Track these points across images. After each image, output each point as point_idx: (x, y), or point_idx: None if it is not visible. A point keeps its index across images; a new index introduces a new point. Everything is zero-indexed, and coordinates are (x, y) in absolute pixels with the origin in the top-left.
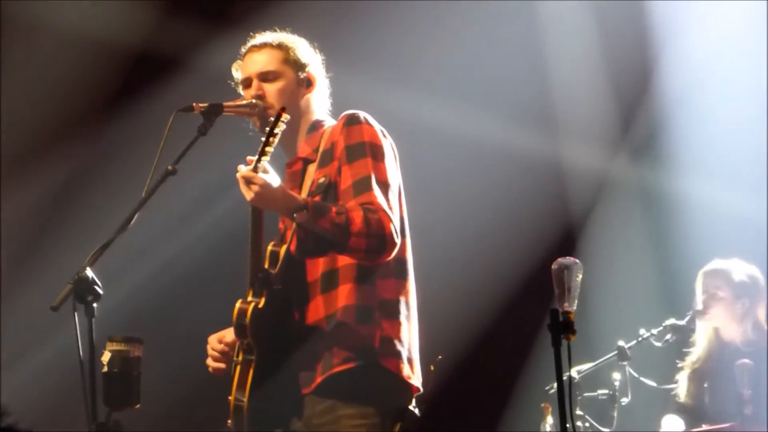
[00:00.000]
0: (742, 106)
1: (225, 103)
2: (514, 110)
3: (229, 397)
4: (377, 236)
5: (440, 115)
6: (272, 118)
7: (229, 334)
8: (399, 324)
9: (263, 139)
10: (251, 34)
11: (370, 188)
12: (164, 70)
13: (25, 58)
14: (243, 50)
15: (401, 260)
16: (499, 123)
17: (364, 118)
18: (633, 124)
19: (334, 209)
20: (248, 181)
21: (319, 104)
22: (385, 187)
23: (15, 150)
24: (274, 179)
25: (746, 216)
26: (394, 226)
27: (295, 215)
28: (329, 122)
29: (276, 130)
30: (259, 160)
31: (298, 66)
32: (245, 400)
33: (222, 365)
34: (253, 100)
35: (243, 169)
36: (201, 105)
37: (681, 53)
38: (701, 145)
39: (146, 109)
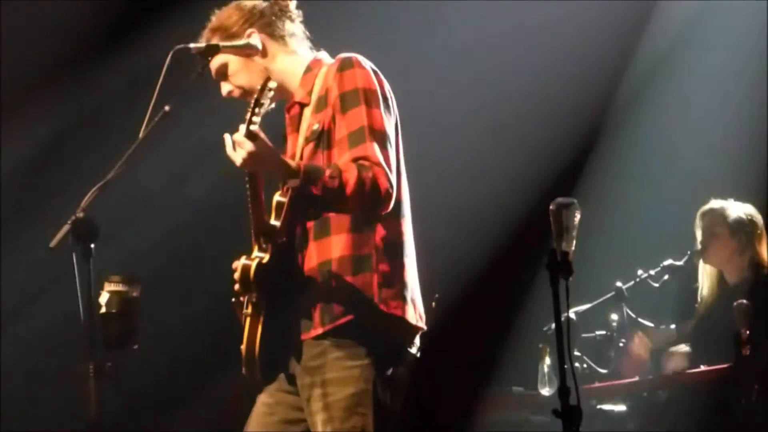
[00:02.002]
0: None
1: (222, 43)
2: (510, 49)
3: (241, 347)
4: (372, 194)
5: (437, 48)
6: (258, 86)
7: None
8: (397, 267)
9: (250, 106)
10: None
11: (364, 140)
12: (163, 9)
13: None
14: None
15: (397, 200)
16: (496, 63)
17: (356, 60)
18: (631, 63)
19: (327, 173)
20: (238, 146)
21: (294, 49)
22: (379, 135)
23: (10, 93)
24: (264, 144)
25: (745, 156)
26: (389, 179)
27: (288, 181)
28: (326, 60)
29: (262, 100)
30: (248, 125)
31: (241, 45)
32: (257, 349)
33: None
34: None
35: (235, 135)
36: (198, 45)
37: None
38: (701, 86)
39: (144, 48)
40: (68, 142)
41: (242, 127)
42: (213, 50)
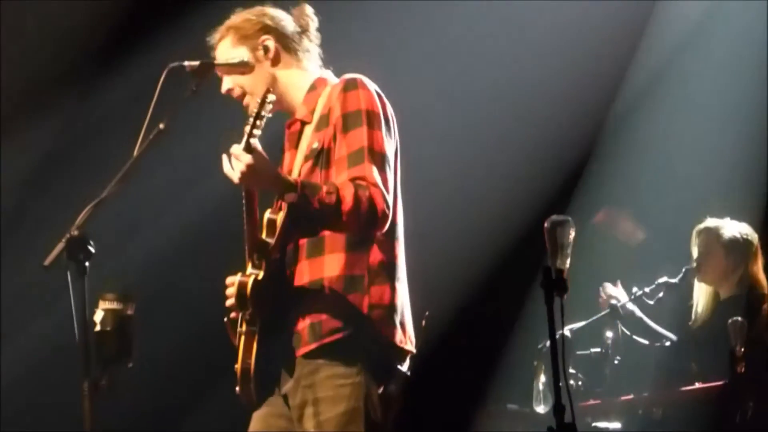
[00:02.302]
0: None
1: (216, 61)
2: (508, 61)
3: (236, 366)
4: (368, 214)
5: (435, 65)
6: (258, 99)
7: None
8: (389, 289)
9: (250, 120)
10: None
11: (363, 161)
12: (159, 27)
13: (15, 13)
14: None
15: (392, 222)
16: (492, 74)
17: (361, 82)
18: (627, 78)
19: (324, 189)
20: (236, 160)
21: (304, 61)
22: (379, 157)
23: (5, 108)
24: (262, 159)
25: (743, 173)
26: (386, 200)
27: (285, 196)
28: (331, 80)
29: (262, 113)
30: (247, 140)
31: (255, 47)
32: (252, 367)
33: None
34: (245, 59)
35: (232, 147)
36: (192, 63)
37: None
38: (698, 101)
39: (142, 64)
40: (63, 160)
41: (242, 141)
42: (207, 68)
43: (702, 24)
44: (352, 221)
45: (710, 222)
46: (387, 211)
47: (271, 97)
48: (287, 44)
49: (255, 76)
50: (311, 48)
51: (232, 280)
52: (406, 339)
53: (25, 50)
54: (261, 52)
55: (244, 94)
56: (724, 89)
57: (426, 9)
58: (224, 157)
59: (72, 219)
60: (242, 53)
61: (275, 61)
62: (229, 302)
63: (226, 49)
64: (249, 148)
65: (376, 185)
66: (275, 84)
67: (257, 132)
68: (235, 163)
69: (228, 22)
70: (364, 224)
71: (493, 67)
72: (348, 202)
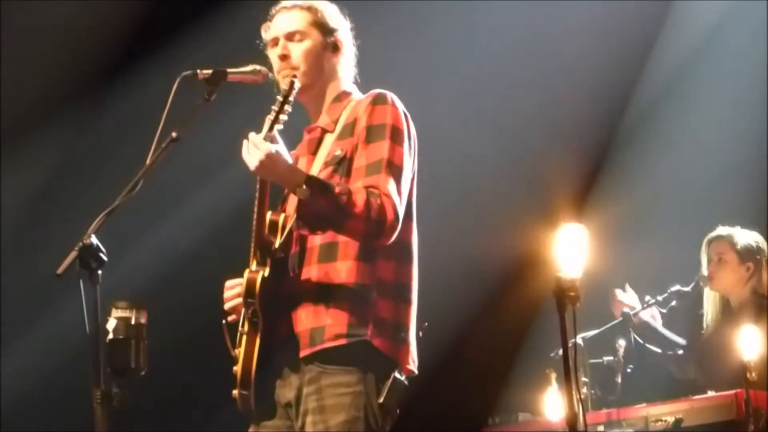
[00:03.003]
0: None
1: (229, 69)
2: (515, 74)
3: (235, 368)
4: (377, 221)
5: (443, 79)
6: (284, 86)
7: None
8: (396, 307)
9: (275, 107)
10: None
11: (380, 171)
12: (172, 35)
13: (24, 24)
14: (273, 11)
15: (405, 243)
16: (504, 86)
17: (391, 99)
18: (636, 91)
19: (337, 189)
20: (254, 148)
21: (346, 71)
22: (397, 171)
23: (18, 117)
24: (281, 150)
25: (752, 182)
26: (396, 212)
27: (296, 189)
28: (356, 95)
29: (290, 98)
30: (270, 129)
31: (326, 30)
32: (253, 368)
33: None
34: (257, 66)
35: (252, 135)
36: (204, 71)
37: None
38: (708, 111)
39: (152, 74)
40: (76, 168)
41: (264, 128)
42: (220, 77)
43: (713, 34)
44: (359, 225)
45: (722, 230)
46: (396, 222)
47: (297, 85)
48: (349, 51)
49: (317, 57)
50: (352, 62)
51: (233, 282)
52: (407, 358)
53: (39, 58)
54: (330, 44)
55: (286, 68)
56: (737, 99)
57: (436, 19)
58: (244, 142)
59: (84, 227)
60: (310, 32)
61: (337, 53)
62: (233, 302)
63: (294, 20)
64: (269, 138)
65: (388, 195)
66: (320, 74)
67: (283, 118)
68: (253, 151)
69: (310, 0)
70: (373, 230)
71: (503, 79)
72: (359, 206)
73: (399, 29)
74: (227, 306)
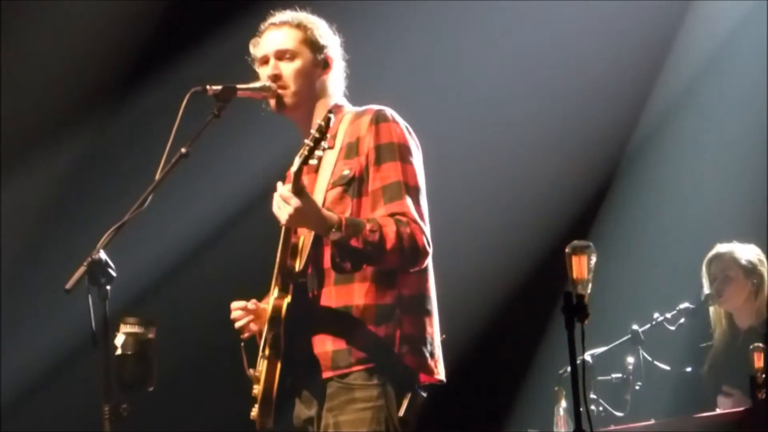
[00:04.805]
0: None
1: (238, 85)
2: (525, 91)
3: (256, 390)
4: (411, 250)
5: (452, 93)
6: (321, 122)
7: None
8: (420, 320)
9: (308, 142)
10: (271, 11)
11: (401, 196)
12: (179, 50)
13: (31, 37)
14: (262, 27)
15: None
16: (512, 105)
17: (392, 116)
18: (645, 109)
19: (367, 227)
20: (284, 203)
21: (336, 87)
22: (415, 192)
23: (27, 131)
24: (309, 201)
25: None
26: (426, 237)
27: (330, 234)
28: (348, 108)
29: (327, 134)
30: (296, 182)
31: (316, 47)
32: (274, 390)
33: (250, 322)
34: (267, 83)
35: (280, 188)
36: (214, 87)
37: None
38: (715, 129)
39: (161, 89)
40: (83, 183)
41: (294, 168)
42: (229, 93)
43: (718, 56)
44: (394, 258)
45: (721, 247)
46: (428, 247)
47: (333, 120)
48: (339, 67)
49: (309, 77)
50: (342, 76)
51: (239, 305)
52: (437, 369)
53: (47, 72)
54: (320, 61)
55: (277, 92)
56: (741, 119)
57: (438, 35)
58: (275, 196)
59: (92, 241)
60: (301, 51)
61: (327, 70)
62: (242, 322)
63: (285, 38)
64: (298, 191)
65: (416, 221)
66: (310, 92)
67: (318, 154)
68: (283, 206)
69: (299, 17)
70: (408, 261)
71: (512, 95)
72: (391, 240)
73: (401, 35)
74: (237, 325)
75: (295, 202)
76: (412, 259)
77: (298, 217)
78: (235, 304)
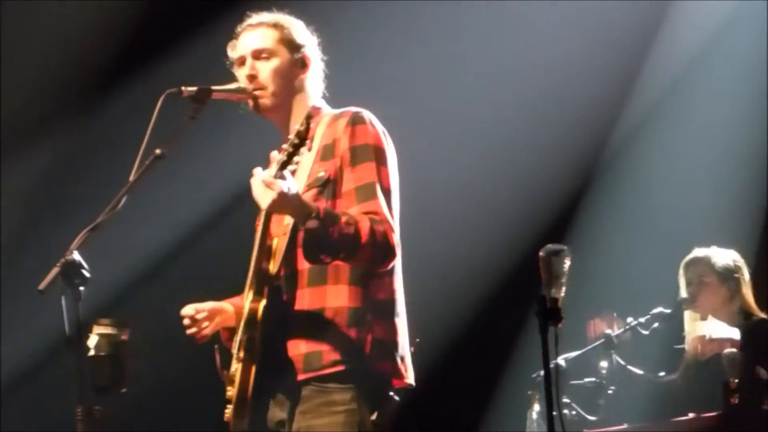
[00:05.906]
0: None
1: (213, 87)
2: (501, 94)
3: (230, 392)
4: (382, 248)
5: (427, 98)
6: (295, 139)
7: (202, 305)
8: (391, 324)
9: (287, 147)
10: (248, 13)
11: (374, 196)
12: (157, 51)
13: (6, 37)
14: (238, 29)
15: None
16: (488, 109)
17: (369, 119)
18: (624, 112)
19: (343, 219)
20: (267, 187)
21: (314, 87)
22: (387, 194)
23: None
24: (291, 185)
25: (736, 203)
26: (396, 236)
27: (307, 221)
28: (326, 110)
29: (295, 158)
30: (281, 168)
31: (293, 46)
32: (249, 392)
33: (201, 329)
34: (242, 84)
35: (261, 173)
36: (189, 89)
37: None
38: (692, 134)
39: (137, 90)
40: (59, 184)
41: (274, 166)
42: (205, 94)
43: (697, 61)
44: (367, 253)
45: (698, 252)
46: (396, 246)
47: (313, 125)
48: (317, 67)
49: (286, 77)
50: (321, 77)
51: (201, 307)
52: (406, 373)
53: (19, 74)
54: (298, 61)
55: (255, 92)
56: (719, 122)
57: (416, 37)
58: (252, 180)
59: (66, 243)
60: (278, 50)
61: (305, 69)
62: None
63: (261, 38)
64: (281, 176)
65: (388, 221)
66: (290, 91)
67: (297, 159)
68: (265, 191)
69: (276, 17)
70: (379, 258)
71: (488, 98)
72: (365, 234)
73: (386, 38)
74: (188, 333)
75: (279, 186)
76: (383, 257)
77: (282, 202)
78: (185, 311)
